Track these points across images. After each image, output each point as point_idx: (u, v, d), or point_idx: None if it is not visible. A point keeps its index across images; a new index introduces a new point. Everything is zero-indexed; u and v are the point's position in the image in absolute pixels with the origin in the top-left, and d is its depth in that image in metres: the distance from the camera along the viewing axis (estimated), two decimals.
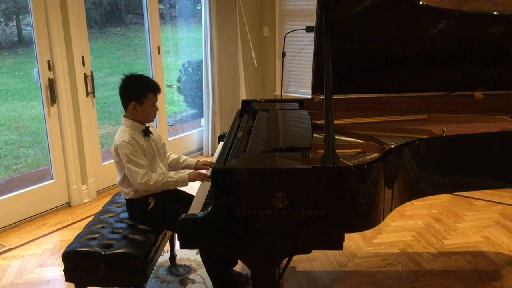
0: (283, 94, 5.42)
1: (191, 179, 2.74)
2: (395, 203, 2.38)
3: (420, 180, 2.52)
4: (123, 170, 2.71)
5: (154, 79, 4.86)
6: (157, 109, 2.78)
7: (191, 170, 2.87)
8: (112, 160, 2.79)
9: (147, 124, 2.78)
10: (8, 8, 5.18)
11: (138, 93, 2.70)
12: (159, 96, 2.80)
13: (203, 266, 2.93)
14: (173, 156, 3.02)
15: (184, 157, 3.06)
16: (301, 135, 2.63)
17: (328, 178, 2.12)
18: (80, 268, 2.53)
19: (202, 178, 2.73)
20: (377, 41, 2.95)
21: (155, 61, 4.85)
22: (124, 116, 2.76)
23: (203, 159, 4.76)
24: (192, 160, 3.03)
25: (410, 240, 3.58)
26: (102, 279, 2.52)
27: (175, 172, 2.94)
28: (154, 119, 3.77)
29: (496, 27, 2.90)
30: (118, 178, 2.78)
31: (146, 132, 2.76)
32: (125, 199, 2.83)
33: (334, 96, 2.37)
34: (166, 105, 5.23)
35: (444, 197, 4.20)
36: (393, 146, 2.45)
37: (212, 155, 5.23)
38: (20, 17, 5.38)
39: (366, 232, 3.56)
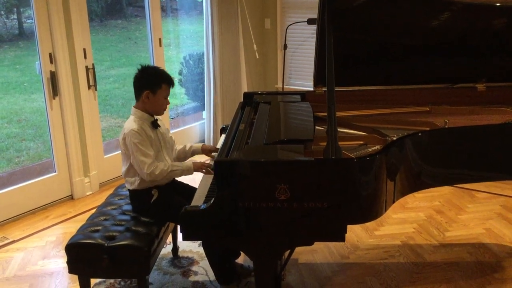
0: (284, 86, 5.41)
1: (196, 168, 2.76)
2: (397, 195, 2.39)
3: (422, 172, 2.52)
4: (129, 160, 2.72)
5: None
6: (168, 103, 2.80)
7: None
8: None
9: (156, 117, 2.80)
10: (8, 1, 5.16)
11: (153, 82, 2.72)
12: None
13: (206, 258, 2.95)
14: (178, 147, 3.03)
15: (189, 144, 3.07)
16: (303, 127, 2.63)
17: (330, 170, 2.12)
18: (83, 260, 2.55)
19: (206, 168, 2.74)
20: (379, 32, 2.94)
21: (156, 53, 4.84)
22: (134, 106, 2.78)
23: None
24: (197, 145, 3.05)
25: (411, 232, 3.59)
26: (105, 270, 2.54)
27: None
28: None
29: (498, 18, 2.89)
30: (123, 169, 2.79)
31: (155, 124, 2.77)
32: (129, 190, 2.83)
33: (336, 88, 2.36)
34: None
35: (446, 189, 4.20)
36: (395, 138, 2.45)
37: None
38: (21, 9, 5.37)
39: (367, 224, 3.57)
